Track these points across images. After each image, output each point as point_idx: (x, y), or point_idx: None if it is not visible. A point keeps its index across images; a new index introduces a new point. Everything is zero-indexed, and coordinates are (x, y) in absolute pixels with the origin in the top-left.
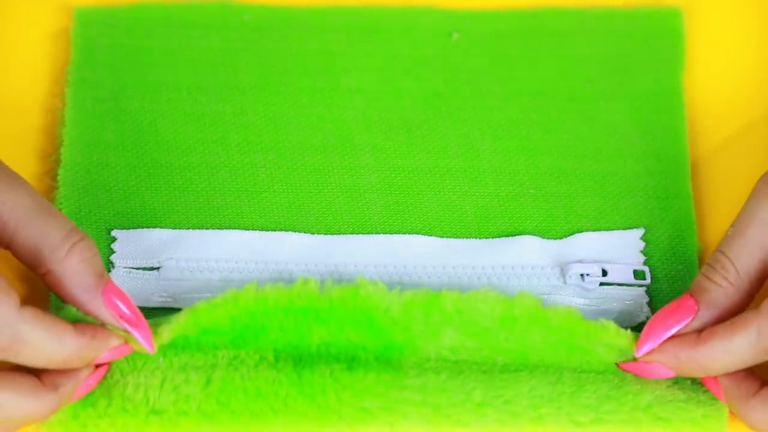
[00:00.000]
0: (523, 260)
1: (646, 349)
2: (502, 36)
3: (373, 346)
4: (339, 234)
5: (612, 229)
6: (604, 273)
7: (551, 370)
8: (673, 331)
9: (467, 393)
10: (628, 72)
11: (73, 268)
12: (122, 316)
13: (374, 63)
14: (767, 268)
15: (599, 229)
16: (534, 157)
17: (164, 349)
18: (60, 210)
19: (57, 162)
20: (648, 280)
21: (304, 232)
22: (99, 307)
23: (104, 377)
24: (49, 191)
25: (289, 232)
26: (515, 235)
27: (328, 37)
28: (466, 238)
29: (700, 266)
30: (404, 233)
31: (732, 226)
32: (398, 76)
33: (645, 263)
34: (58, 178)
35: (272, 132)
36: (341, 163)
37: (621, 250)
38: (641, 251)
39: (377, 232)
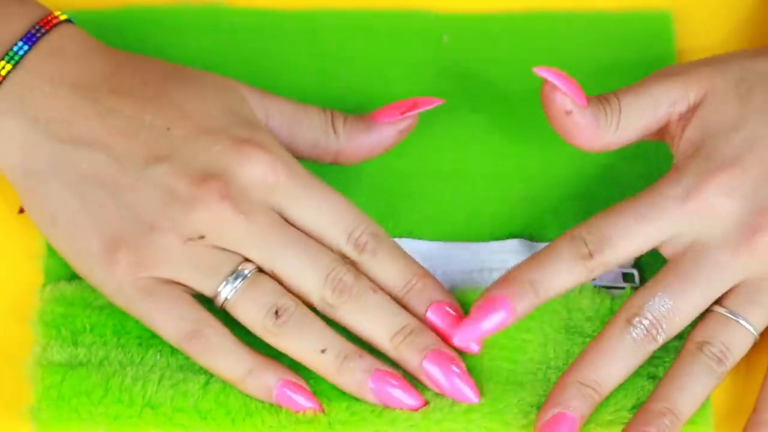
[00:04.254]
0: (512, 263)
1: (547, 70)
2: (492, 39)
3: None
4: None
5: None
6: None
7: (539, 376)
8: (569, 84)
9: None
10: (618, 75)
11: (350, 133)
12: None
13: (365, 65)
14: (634, 137)
15: None
16: (524, 159)
17: (160, 348)
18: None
19: None
20: (637, 283)
21: None
22: (397, 124)
23: (103, 367)
24: None
25: None
26: (505, 239)
27: (319, 39)
28: (456, 241)
29: None
30: (394, 236)
31: (638, 84)
32: (389, 78)
33: (634, 266)
34: None
35: None
36: (331, 165)
37: None
38: None
39: None
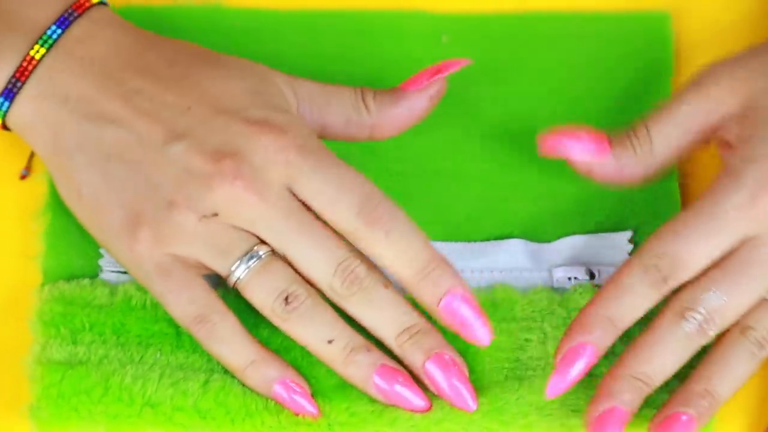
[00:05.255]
0: (510, 263)
1: (549, 140)
2: (492, 39)
3: None
4: None
5: (600, 232)
6: (592, 276)
7: (538, 373)
8: (579, 145)
9: None
10: (616, 76)
11: (382, 107)
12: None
13: (363, 66)
14: (675, 158)
15: (587, 232)
16: (522, 159)
17: (160, 346)
18: (48, 215)
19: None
20: None
21: None
22: (426, 90)
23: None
24: (38, 196)
25: None
26: (503, 239)
27: (318, 40)
28: (455, 241)
29: None
30: None
31: (663, 103)
32: (388, 78)
33: None
34: (48, 183)
35: None
36: None
37: (609, 253)
38: (629, 253)
39: None
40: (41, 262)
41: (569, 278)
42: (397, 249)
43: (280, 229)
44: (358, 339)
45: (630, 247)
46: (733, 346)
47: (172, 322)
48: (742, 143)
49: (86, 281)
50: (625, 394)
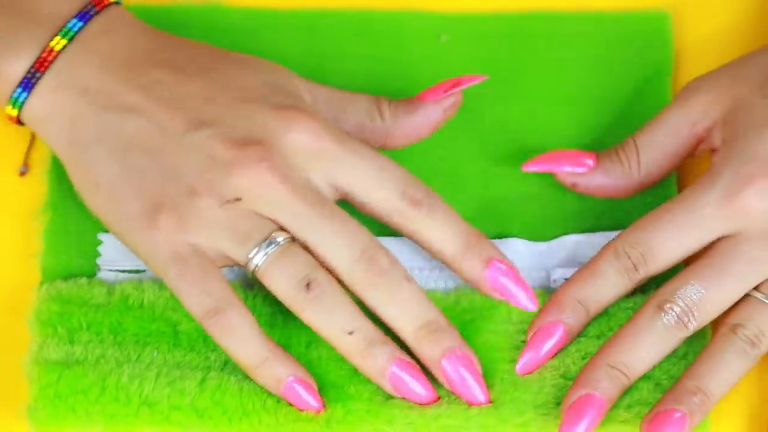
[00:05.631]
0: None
1: (531, 165)
2: (490, 38)
3: None
4: None
5: (597, 231)
6: None
7: (535, 376)
8: (564, 164)
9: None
10: (615, 75)
11: (397, 116)
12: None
13: (362, 65)
14: (665, 168)
15: (585, 231)
16: (521, 159)
17: (157, 345)
18: (47, 214)
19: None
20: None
21: None
22: (442, 102)
23: (100, 365)
24: (38, 195)
25: None
26: (502, 238)
27: (317, 39)
28: None
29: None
30: (391, 236)
31: (653, 118)
32: (386, 78)
33: None
34: (47, 182)
35: None
36: None
37: None
38: None
39: None
40: (39, 260)
41: (566, 279)
42: (442, 225)
43: (302, 214)
44: (377, 332)
45: None
46: (723, 344)
47: (169, 321)
48: (723, 145)
49: (83, 280)
50: (602, 381)
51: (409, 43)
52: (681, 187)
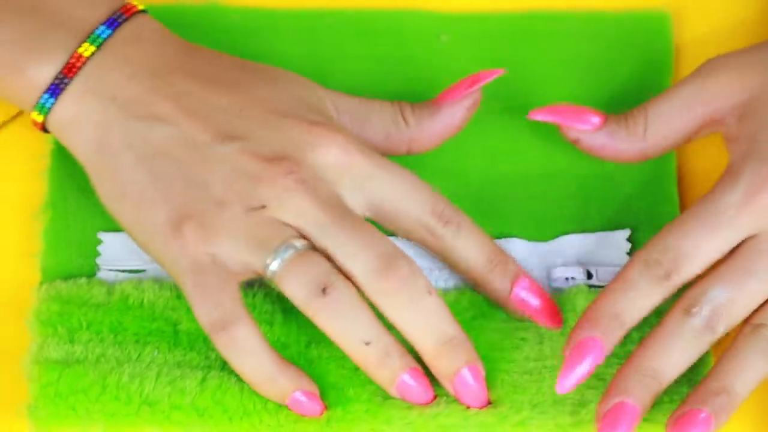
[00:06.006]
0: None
1: (538, 114)
2: (491, 38)
3: None
4: None
5: (598, 231)
6: (590, 275)
7: (534, 376)
8: (570, 119)
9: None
10: (615, 75)
11: (421, 120)
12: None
13: (362, 65)
14: (669, 141)
15: (585, 231)
16: (523, 159)
17: (157, 344)
18: (47, 213)
19: (47, 164)
20: None
21: None
22: (462, 102)
23: (100, 365)
24: (38, 193)
25: None
26: (502, 238)
27: (316, 38)
28: None
29: None
30: (392, 235)
31: (667, 90)
32: (386, 78)
33: None
34: (47, 180)
35: None
36: None
37: (607, 252)
38: (627, 252)
39: None
40: (40, 260)
41: (567, 278)
42: (470, 244)
43: (325, 223)
44: (395, 344)
45: (628, 245)
46: (746, 344)
47: (169, 320)
48: (742, 140)
49: (83, 280)
50: (635, 389)
51: (409, 42)
52: (680, 171)
